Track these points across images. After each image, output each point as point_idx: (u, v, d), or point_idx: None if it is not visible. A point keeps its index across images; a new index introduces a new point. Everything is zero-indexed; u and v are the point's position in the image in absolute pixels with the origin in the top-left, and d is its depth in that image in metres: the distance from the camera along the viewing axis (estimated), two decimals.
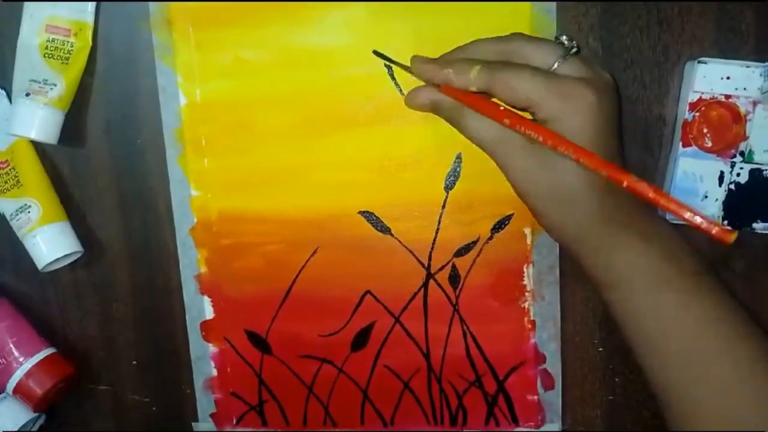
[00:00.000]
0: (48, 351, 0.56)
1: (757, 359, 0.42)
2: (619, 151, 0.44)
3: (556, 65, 0.42)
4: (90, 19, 0.52)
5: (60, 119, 0.52)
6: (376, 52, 0.49)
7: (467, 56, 0.44)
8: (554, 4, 0.49)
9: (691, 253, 0.44)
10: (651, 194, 0.37)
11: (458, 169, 0.52)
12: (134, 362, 0.59)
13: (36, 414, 0.56)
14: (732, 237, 0.32)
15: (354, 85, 0.51)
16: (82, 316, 0.58)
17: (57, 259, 0.53)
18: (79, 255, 0.55)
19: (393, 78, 0.51)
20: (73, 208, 0.55)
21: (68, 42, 0.51)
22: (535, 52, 0.42)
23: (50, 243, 0.53)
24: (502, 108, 0.42)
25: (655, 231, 0.44)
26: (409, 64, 0.47)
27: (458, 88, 0.43)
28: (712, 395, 0.42)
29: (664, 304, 0.43)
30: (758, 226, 0.49)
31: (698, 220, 0.36)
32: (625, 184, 0.37)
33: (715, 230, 0.35)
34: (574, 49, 0.42)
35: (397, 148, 0.52)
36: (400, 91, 0.51)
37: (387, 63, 0.50)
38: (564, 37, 0.43)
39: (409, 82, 0.50)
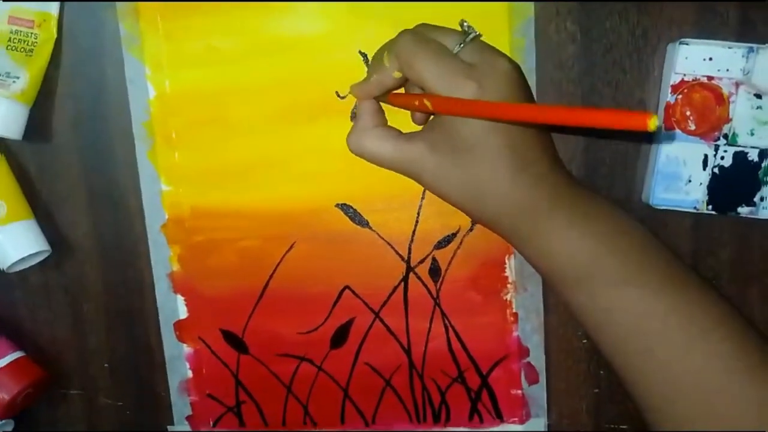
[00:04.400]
0: (16, 355, 0.54)
1: (714, 328, 0.41)
2: (535, 136, 0.42)
3: (455, 51, 0.42)
4: (55, 10, 0.50)
5: (24, 113, 0.50)
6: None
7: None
8: None
9: (640, 230, 0.43)
10: (560, 115, 0.33)
11: None
12: (106, 365, 0.57)
13: (4, 420, 0.54)
14: (652, 121, 0.27)
15: (329, 73, 0.50)
16: (52, 318, 0.56)
17: (23, 259, 0.51)
18: (46, 254, 0.53)
19: (369, 65, 0.50)
20: (39, 206, 0.53)
21: (32, 33, 0.50)
22: (438, 38, 0.42)
23: (15, 242, 0.51)
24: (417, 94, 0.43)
25: (595, 210, 0.42)
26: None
27: (385, 83, 0.44)
28: (679, 390, 0.41)
29: (600, 281, 0.41)
30: (743, 210, 0.48)
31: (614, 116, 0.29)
32: (532, 119, 0.35)
33: (634, 118, 0.28)
34: (472, 35, 0.42)
35: None
36: None
37: (361, 51, 0.49)
38: (465, 24, 0.43)
39: None
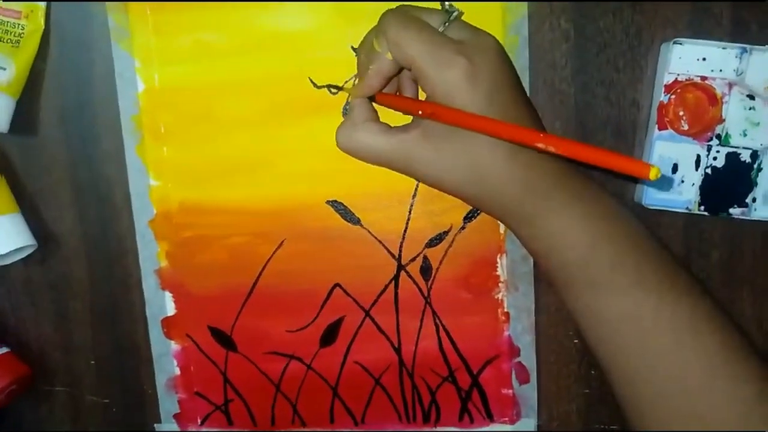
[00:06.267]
0: (0, 351, 0.53)
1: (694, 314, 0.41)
2: (526, 114, 0.42)
3: (440, 29, 0.41)
4: (42, 1, 0.50)
5: (10, 106, 0.50)
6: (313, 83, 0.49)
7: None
8: None
9: (634, 219, 0.43)
10: (566, 147, 0.33)
11: None
12: (92, 362, 0.56)
13: None
14: (654, 172, 0.29)
15: (321, 69, 0.50)
16: (37, 314, 0.55)
17: (8, 253, 0.50)
18: (32, 249, 0.52)
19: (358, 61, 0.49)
20: (25, 201, 0.53)
21: (19, 24, 0.49)
22: (422, 18, 0.41)
23: (0, 236, 0.50)
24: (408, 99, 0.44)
25: (592, 193, 0.42)
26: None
27: (383, 70, 0.42)
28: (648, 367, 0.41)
29: (598, 264, 0.41)
30: (735, 211, 0.48)
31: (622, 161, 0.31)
32: (539, 145, 0.34)
33: (637, 166, 0.30)
34: (455, 13, 0.41)
35: None
36: None
37: (353, 47, 0.49)
38: (447, 4, 0.42)
39: None
